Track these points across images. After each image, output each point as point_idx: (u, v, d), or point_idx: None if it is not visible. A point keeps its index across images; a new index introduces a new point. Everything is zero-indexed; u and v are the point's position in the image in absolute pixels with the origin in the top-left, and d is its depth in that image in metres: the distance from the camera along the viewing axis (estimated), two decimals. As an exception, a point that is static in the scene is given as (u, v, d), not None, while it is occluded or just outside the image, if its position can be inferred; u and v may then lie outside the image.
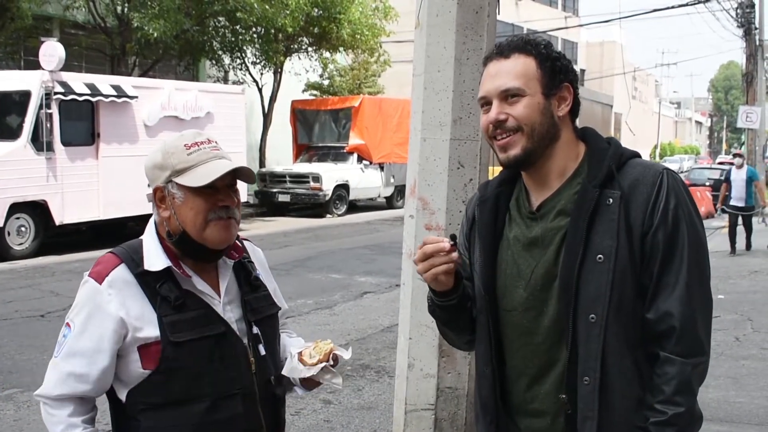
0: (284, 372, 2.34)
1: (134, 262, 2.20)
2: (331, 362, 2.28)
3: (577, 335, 2.02)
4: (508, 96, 2.07)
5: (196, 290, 2.22)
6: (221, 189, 2.21)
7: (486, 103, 2.12)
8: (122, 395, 2.20)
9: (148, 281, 2.18)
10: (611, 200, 2.01)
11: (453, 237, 2.08)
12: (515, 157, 2.08)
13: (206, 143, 2.25)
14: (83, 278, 2.23)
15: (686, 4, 22.35)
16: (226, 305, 2.28)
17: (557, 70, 2.10)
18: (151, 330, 2.14)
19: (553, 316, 2.07)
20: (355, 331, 8.94)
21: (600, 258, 2.00)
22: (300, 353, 2.31)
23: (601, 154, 2.09)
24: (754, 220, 17.80)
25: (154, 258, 2.20)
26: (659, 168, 2.06)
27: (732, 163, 18.12)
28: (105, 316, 2.15)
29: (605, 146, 2.12)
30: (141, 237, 2.29)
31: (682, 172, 46.52)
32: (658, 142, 78.99)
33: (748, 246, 16.35)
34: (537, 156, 2.08)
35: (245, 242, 2.46)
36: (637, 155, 2.13)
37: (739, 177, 16.36)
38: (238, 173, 2.23)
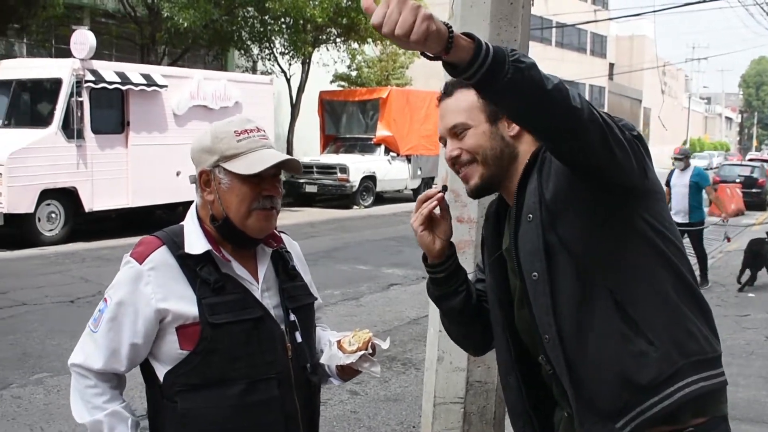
0: (323, 360, 2.35)
1: (175, 244, 2.23)
2: (370, 350, 2.30)
3: (529, 296, 2.07)
4: (457, 132, 2.17)
5: (235, 274, 2.24)
6: (266, 179, 2.23)
7: (444, 142, 2.23)
8: (160, 375, 2.22)
9: (188, 264, 2.20)
10: (535, 167, 2.08)
11: (444, 188, 2.21)
12: (476, 185, 2.18)
13: (255, 131, 2.26)
14: (124, 258, 2.25)
15: (719, -2, 22.11)
16: (264, 291, 2.29)
17: None
18: (189, 311, 2.16)
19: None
20: (381, 322, 8.94)
21: (529, 217, 2.05)
22: (339, 341, 2.32)
23: None
24: (711, 238, 14.07)
25: (195, 241, 2.23)
26: None
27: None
28: (144, 297, 2.17)
29: None
30: (182, 222, 2.31)
31: (711, 168, 46.07)
32: (687, 138, 78.32)
33: (703, 279, 11.56)
34: (498, 178, 2.17)
35: (283, 234, 2.47)
36: None
37: (680, 182, 11.56)
38: (287, 164, 2.26)
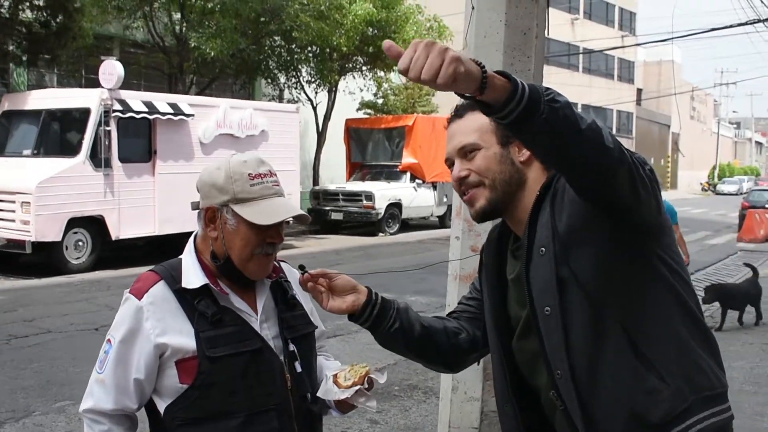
0: (319, 394, 2.34)
1: (173, 278, 2.24)
2: (366, 385, 2.28)
3: (541, 331, 2.03)
4: (467, 152, 2.15)
5: (233, 307, 2.25)
6: (272, 227, 2.24)
7: (451, 163, 2.20)
8: (161, 409, 2.23)
9: (186, 297, 2.21)
10: (548, 198, 2.04)
11: (301, 267, 2.25)
12: (481, 208, 2.15)
13: (268, 176, 2.27)
14: (124, 295, 2.27)
15: (745, 23, 21.96)
16: (263, 323, 2.29)
17: None
18: (188, 345, 2.17)
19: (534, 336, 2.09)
20: (404, 350, 8.89)
21: (542, 251, 2.02)
22: (335, 375, 2.31)
23: None
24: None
25: (192, 275, 2.24)
26: None
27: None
28: (144, 332, 2.19)
29: None
30: (181, 256, 2.33)
31: (741, 193, 45.60)
32: (716, 163, 77.74)
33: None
34: (504, 203, 2.14)
35: (282, 263, 2.48)
36: None
37: None
38: (296, 218, 2.29)
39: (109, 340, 2.25)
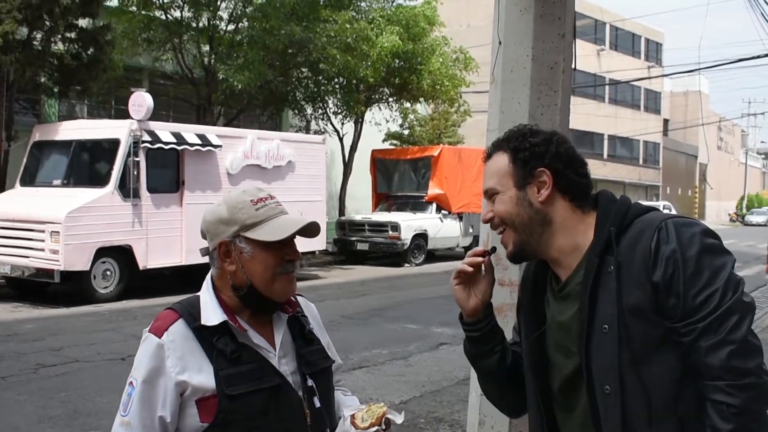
0: None
1: (192, 316, 2.23)
2: (383, 426, 2.26)
3: (597, 409, 2.00)
4: (489, 196, 2.17)
5: (252, 343, 2.24)
6: (288, 244, 2.25)
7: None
8: None
9: (205, 335, 2.20)
10: (611, 267, 1.99)
11: (493, 249, 2.23)
12: (511, 252, 2.17)
13: (269, 199, 2.28)
14: (144, 335, 2.26)
15: (774, 54, 21.87)
16: (281, 358, 2.29)
17: (529, 158, 2.12)
18: (208, 383, 2.16)
19: (583, 394, 2.06)
20: (429, 383, 8.86)
21: (605, 328, 1.98)
22: (352, 416, 2.29)
23: (605, 220, 2.07)
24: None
25: (211, 313, 2.23)
26: (659, 219, 2.00)
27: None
28: (166, 370, 2.17)
29: (610, 209, 2.09)
30: (198, 293, 2.32)
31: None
32: (744, 194, 77.10)
33: None
34: (532, 245, 2.13)
35: (299, 297, 2.47)
36: (649, 210, 2.08)
37: None
38: (307, 228, 2.27)
39: (131, 383, 2.22)
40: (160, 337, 2.20)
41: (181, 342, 2.20)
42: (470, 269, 2.20)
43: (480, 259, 2.21)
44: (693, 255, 1.92)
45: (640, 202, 2.17)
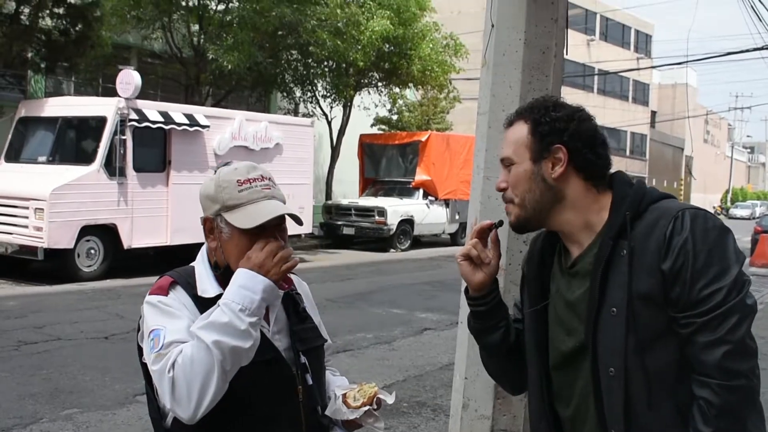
0: (327, 412, 2.32)
1: (189, 285, 2.23)
2: (375, 406, 2.27)
3: (600, 389, 2.01)
4: (505, 165, 2.15)
5: None
6: (268, 229, 2.19)
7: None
8: (168, 421, 2.21)
9: (202, 305, 2.19)
10: (624, 251, 1.99)
11: (500, 222, 2.22)
12: (512, 224, 2.17)
13: (259, 180, 2.23)
14: (146, 299, 2.23)
15: (761, 48, 21.92)
16: (275, 334, 2.28)
17: (548, 133, 2.09)
18: None
19: (583, 372, 2.07)
20: (413, 367, 8.87)
21: (613, 311, 1.98)
22: (344, 395, 2.30)
23: (620, 203, 2.06)
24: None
25: (207, 284, 2.23)
26: (676, 209, 1.99)
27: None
28: (179, 314, 2.15)
29: (627, 193, 2.08)
30: (192, 264, 2.31)
31: (754, 218, 45.37)
32: (729, 187, 77.51)
33: None
34: (539, 220, 2.13)
35: (293, 276, 2.44)
36: (664, 197, 2.08)
37: None
38: (286, 218, 2.24)
39: (151, 332, 2.13)
40: (165, 295, 2.19)
41: (184, 301, 2.19)
42: (476, 252, 2.19)
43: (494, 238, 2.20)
44: (705, 248, 1.92)
45: (655, 187, 2.15)
